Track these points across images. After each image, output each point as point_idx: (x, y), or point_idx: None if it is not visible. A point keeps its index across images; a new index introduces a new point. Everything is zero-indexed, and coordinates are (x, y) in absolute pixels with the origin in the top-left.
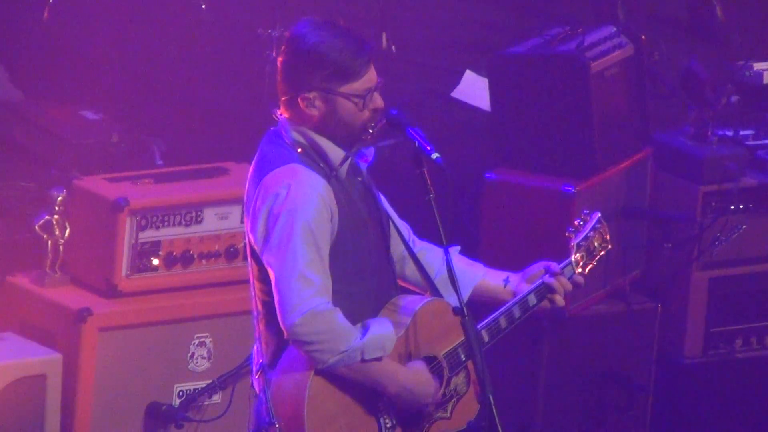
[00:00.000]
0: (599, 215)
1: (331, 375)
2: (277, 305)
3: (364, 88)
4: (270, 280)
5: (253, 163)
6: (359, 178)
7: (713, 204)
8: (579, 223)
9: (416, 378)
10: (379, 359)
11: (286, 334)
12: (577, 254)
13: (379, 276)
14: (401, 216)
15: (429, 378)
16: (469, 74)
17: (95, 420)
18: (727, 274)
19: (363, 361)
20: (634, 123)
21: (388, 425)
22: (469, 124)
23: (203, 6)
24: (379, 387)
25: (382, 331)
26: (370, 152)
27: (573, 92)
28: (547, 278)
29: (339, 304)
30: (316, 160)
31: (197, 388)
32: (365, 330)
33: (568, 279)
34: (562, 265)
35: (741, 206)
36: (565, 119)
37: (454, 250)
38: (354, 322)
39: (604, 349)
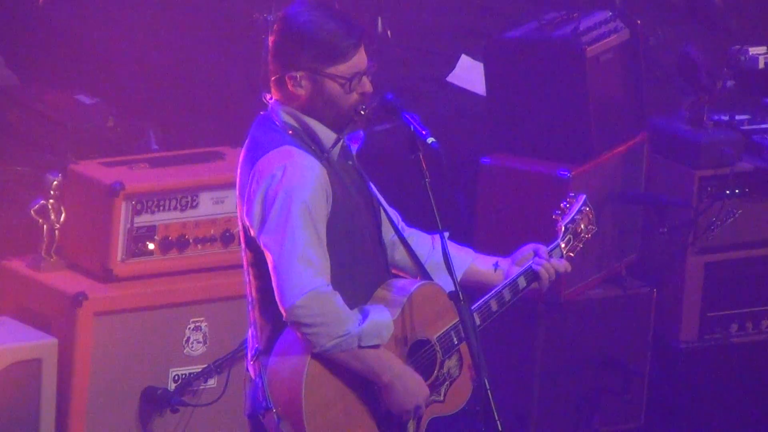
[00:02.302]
0: (585, 197)
1: (328, 360)
2: (275, 287)
3: (352, 72)
4: (264, 266)
5: (244, 148)
6: (349, 162)
7: (709, 189)
8: (565, 205)
9: (410, 373)
10: (375, 347)
11: (285, 316)
12: (565, 236)
13: (372, 258)
14: (396, 199)
15: (420, 379)
16: (464, 59)
17: (91, 404)
18: (722, 259)
19: (359, 347)
20: (630, 108)
21: (385, 409)
22: (465, 109)
23: None
24: (372, 375)
25: (381, 319)
26: (360, 136)
27: (569, 77)
28: (534, 266)
29: (333, 286)
30: (308, 142)
31: (193, 373)
32: (364, 316)
33: (557, 260)
34: (551, 247)
35: (736, 191)
36: (560, 104)
37: (444, 236)
38: (348, 306)
39: (599, 334)
